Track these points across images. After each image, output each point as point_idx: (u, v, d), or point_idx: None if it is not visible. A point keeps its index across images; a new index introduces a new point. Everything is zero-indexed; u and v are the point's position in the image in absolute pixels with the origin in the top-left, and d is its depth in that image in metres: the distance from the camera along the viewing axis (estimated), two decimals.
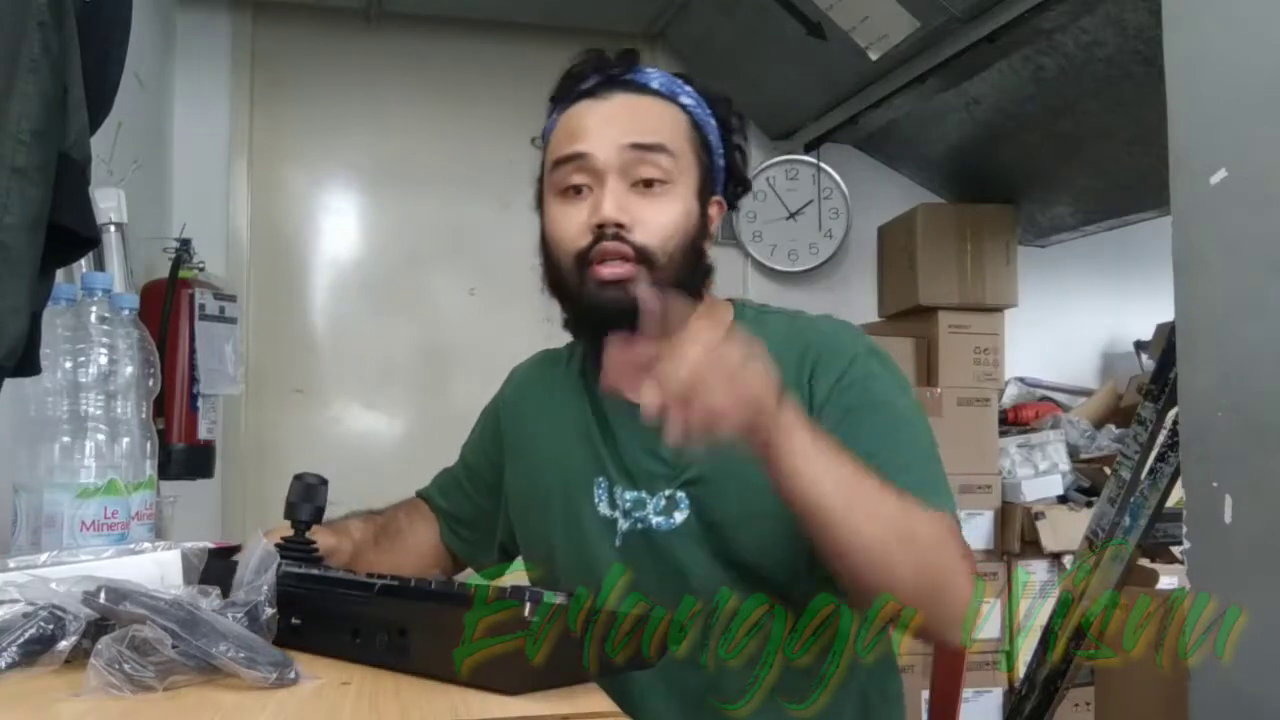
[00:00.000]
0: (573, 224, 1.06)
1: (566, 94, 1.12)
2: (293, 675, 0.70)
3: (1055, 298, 3.37)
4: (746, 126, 1.19)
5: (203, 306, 1.97)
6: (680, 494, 1.07)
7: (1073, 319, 3.44)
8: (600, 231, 1.03)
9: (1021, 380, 3.36)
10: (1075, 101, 2.53)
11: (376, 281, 3.09)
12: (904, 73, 2.58)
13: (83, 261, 1.39)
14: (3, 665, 0.71)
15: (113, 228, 1.69)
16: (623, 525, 1.09)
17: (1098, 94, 2.45)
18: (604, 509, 1.11)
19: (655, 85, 1.11)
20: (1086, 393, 3.39)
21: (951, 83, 2.62)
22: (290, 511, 1.05)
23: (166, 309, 1.91)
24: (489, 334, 3.04)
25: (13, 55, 0.80)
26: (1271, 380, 0.99)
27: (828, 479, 0.88)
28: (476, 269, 3.11)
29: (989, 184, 3.14)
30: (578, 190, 1.07)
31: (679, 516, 1.07)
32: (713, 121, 1.13)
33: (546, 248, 1.10)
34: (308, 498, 1.04)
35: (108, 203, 1.68)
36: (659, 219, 1.05)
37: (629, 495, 1.10)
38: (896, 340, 3.01)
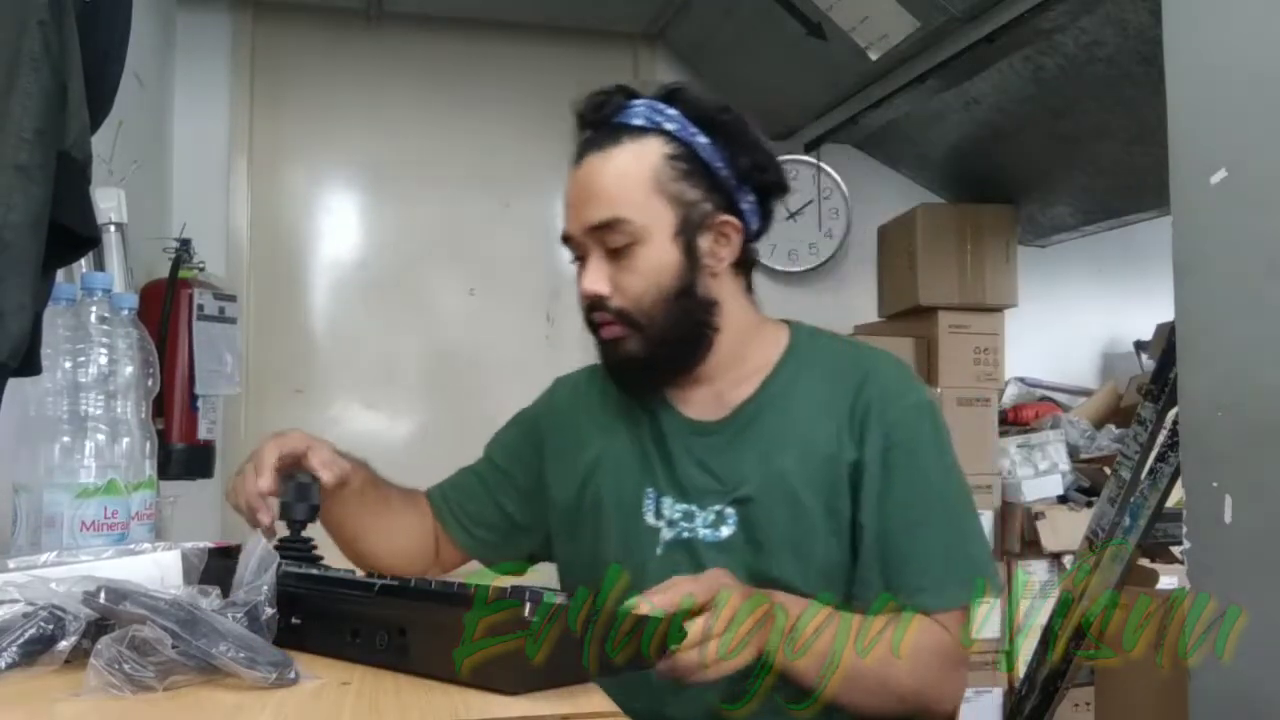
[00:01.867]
0: (579, 289, 1.14)
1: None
2: (293, 675, 0.70)
3: (1055, 298, 3.37)
4: (755, 128, 1.16)
5: (202, 306, 1.96)
6: (729, 510, 1.11)
7: (1073, 319, 3.45)
8: (588, 303, 1.13)
9: (1021, 380, 3.36)
10: (1075, 101, 2.53)
11: (376, 281, 3.09)
12: (904, 73, 2.58)
13: (83, 261, 1.39)
14: (3, 665, 0.71)
15: (113, 228, 1.69)
16: (666, 535, 1.13)
17: (1098, 94, 2.45)
18: (650, 518, 1.14)
19: (637, 122, 1.11)
20: (1086, 393, 3.39)
21: (951, 83, 2.62)
22: (285, 511, 1.05)
23: (166, 309, 1.91)
24: (489, 334, 3.05)
25: (14, 54, 0.80)
26: (1271, 380, 0.99)
27: (810, 674, 0.98)
28: (476, 269, 3.11)
29: (989, 184, 3.14)
30: (581, 258, 1.14)
31: (725, 531, 1.10)
32: (702, 139, 1.11)
33: None
34: (302, 496, 1.05)
35: (108, 203, 1.68)
36: (632, 282, 1.10)
37: (678, 507, 1.13)
38: (896, 340, 3.00)
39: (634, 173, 1.10)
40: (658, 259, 1.09)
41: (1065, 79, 2.44)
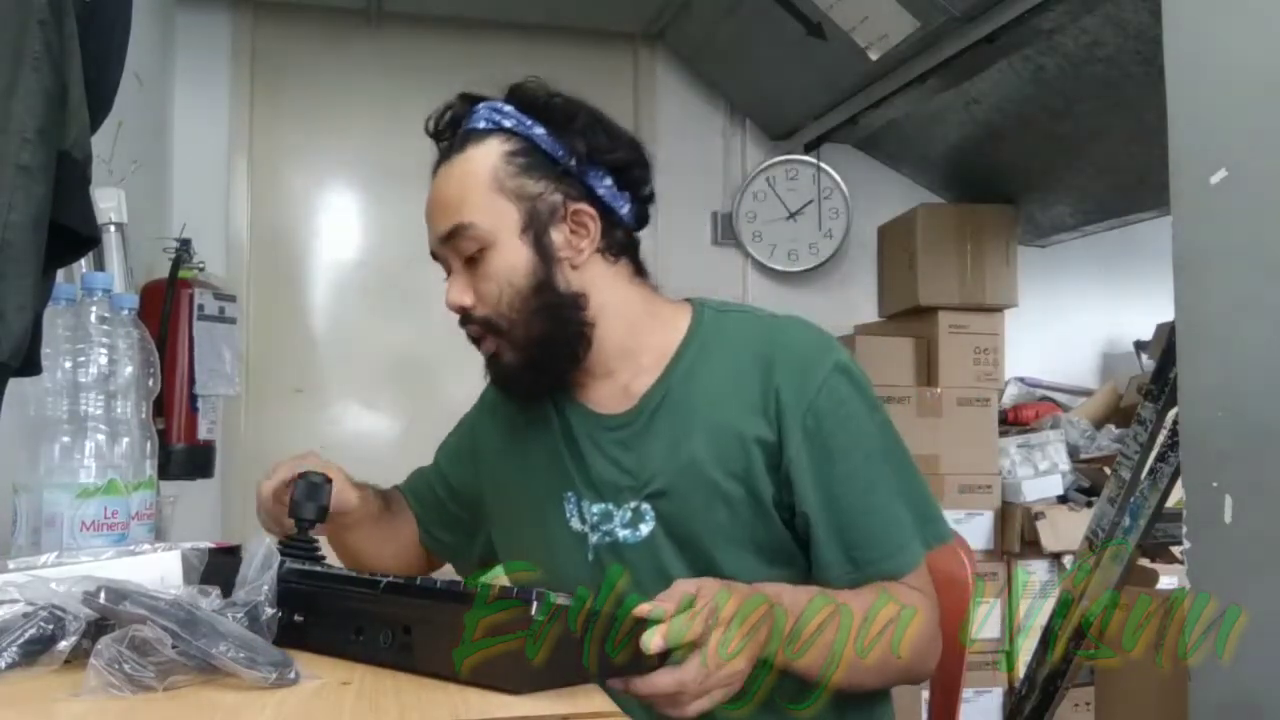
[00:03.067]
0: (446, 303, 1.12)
1: None
2: (293, 675, 0.70)
3: (1055, 298, 3.37)
4: (597, 109, 1.12)
5: (202, 306, 1.96)
6: (645, 506, 1.07)
7: (1073, 319, 3.45)
8: (460, 319, 1.11)
9: (1021, 380, 3.36)
10: (1075, 101, 2.53)
11: (376, 281, 3.09)
12: (904, 73, 2.58)
13: (83, 261, 1.39)
14: (3, 665, 0.71)
15: (113, 228, 1.69)
16: (593, 539, 1.09)
17: (1098, 94, 2.45)
18: (575, 524, 1.11)
19: (480, 125, 1.10)
20: (1086, 393, 3.39)
21: (951, 83, 2.62)
22: (295, 510, 1.05)
23: (166, 309, 1.91)
24: None
25: (15, 53, 0.80)
26: (1271, 380, 0.99)
27: (811, 671, 0.97)
28: None
29: (989, 184, 3.14)
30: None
31: (645, 529, 1.07)
32: (539, 129, 1.08)
33: None
34: (311, 496, 1.05)
35: (108, 203, 1.68)
36: (487, 289, 1.08)
37: (595, 508, 1.10)
38: (896, 340, 3.01)
39: (473, 175, 1.08)
40: (508, 260, 1.06)
41: (1065, 79, 2.44)
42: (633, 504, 1.07)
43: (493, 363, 1.11)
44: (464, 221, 1.07)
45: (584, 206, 1.08)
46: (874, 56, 2.53)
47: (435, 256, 1.13)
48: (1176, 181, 1.11)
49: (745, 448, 1.04)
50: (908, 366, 2.96)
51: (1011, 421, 3.15)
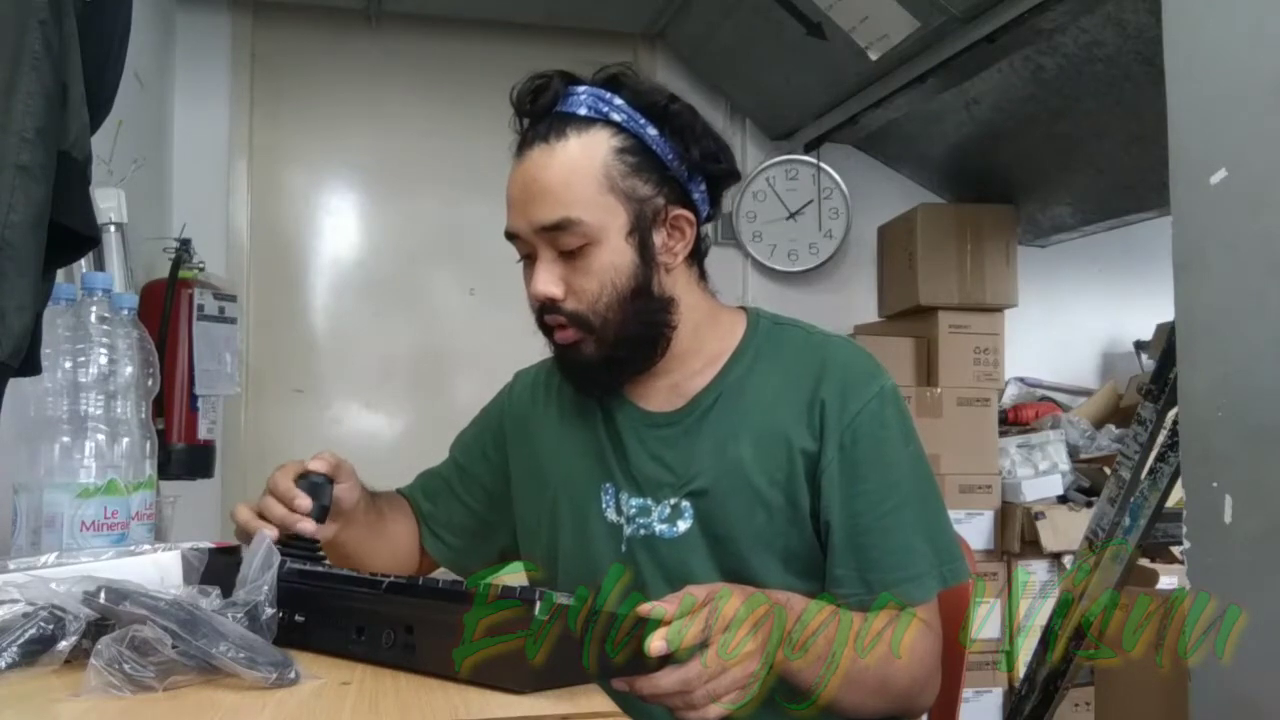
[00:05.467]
0: (529, 291, 1.09)
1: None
2: (293, 675, 0.70)
3: (1055, 298, 3.37)
4: (700, 115, 1.12)
5: (202, 306, 1.96)
6: (685, 503, 1.08)
7: (1073, 319, 3.44)
8: (539, 305, 1.08)
9: (1021, 380, 3.36)
10: (1075, 101, 2.53)
11: (376, 281, 3.09)
12: (904, 73, 2.58)
13: (83, 261, 1.39)
14: (3, 665, 0.71)
15: (113, 228, 1.69)
16: (628, 531, 1.10)
17: (1098, 94, 2.45)
18: (610, 515, 1.12)
19: (581, 111, 1.06)
20: (1086, 393, 3.39)
21: (951, 83, 2.61)
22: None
23: (166, 309, 1.91)
24: (489, 334, 3.04)
25: (16, 53, 0.80)
26: (1271, 380, 0.99)
27: (809, 674, 0.96)
28: (476, 269, 3.11)
29: (989, 184, 3.14)
30: (529, 256, 1.09)
31: (683, 525, 1.08)
32: (651, 130, 1.06)
33: None
34: (313, 496, 1.05)
35: (108, 203, 1.68)
36: (586, 284, 1.05)
37: (634, 502, 1.10)
38: (896, 340, 3.01)
39: (583, 169, 1.04)
40: (612, 260, 1.05)
41: (1065, 79, 2.44)
42: (672, 500, 1.08)
43: (568, 352, 1.09)
44: (573, 217, 1.03)
45: (684, 212, 1.09)
46: (874, 56, 2.52)
47: (513, 237, 1.09)
48: (1176, 181, 1.11)
49: (790, 456, 1.06)
50: (908, 366, 2.96)
51: (1011, 421, 3.15)
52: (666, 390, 1.13)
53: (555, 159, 1.05)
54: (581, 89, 1.07)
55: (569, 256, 1.05)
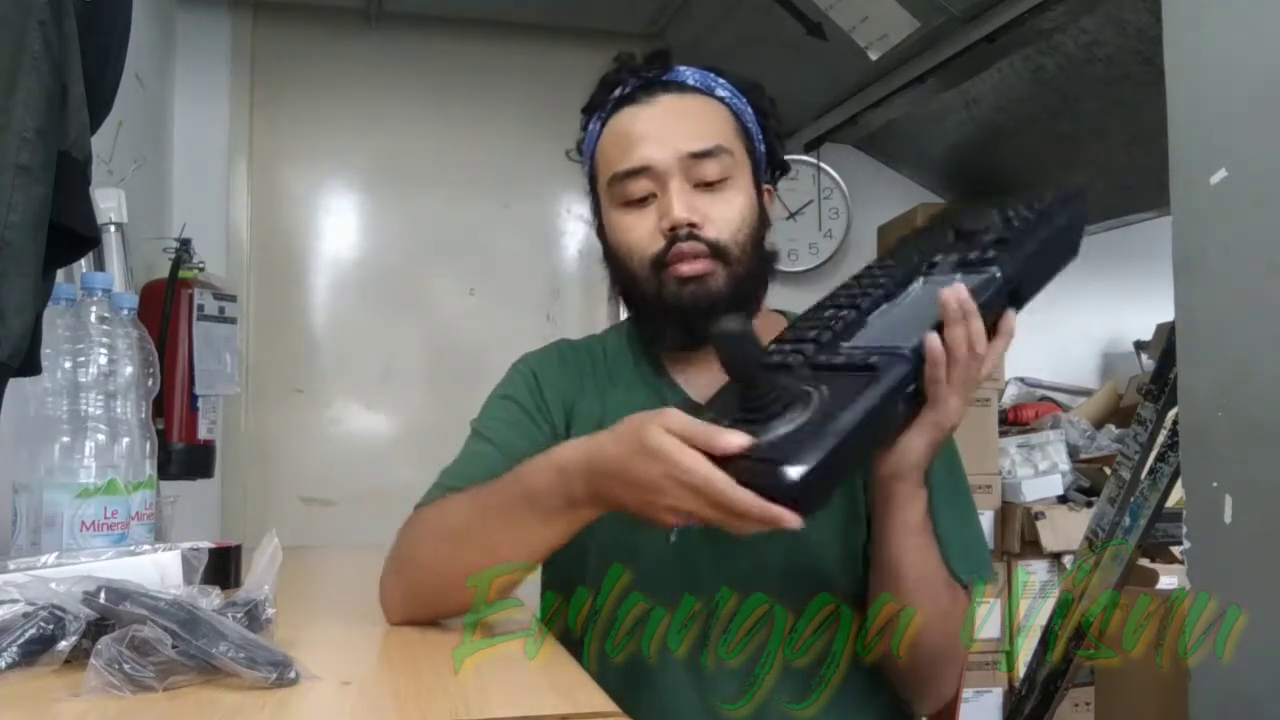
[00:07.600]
0: (644, 231, 1.07)
1: (603, 103, 1.12)
2: (293, 675, 0.70)
3: (1055, 298, 3.35)
4: (778, 110, 1.17)
5: (202, 306, 1.96)
6: None
7: (1073, 319, 3.44)
8: (673, 234, 1.05)
9: (1021, 380, 3.36)
10: (1075, 101, 2.53)
11: (376, 281, 3.09)
12: (904, 73, 2.58)
13: (83, 261, 1.39)
14: (3, 665, 0.71)
15: (113, 228, 1.69)
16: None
17: (1098, 94, 2.45)
18: None
19: (692, 82, 1.11)
20: (1086, 393, 3.39)
21: (951, 83, 2.61)
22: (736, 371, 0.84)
23: (166, 309, 1.91)
24: (489, 334, 3.05)
25: (16, 53, 0.80)
26: (1271, 380, 0.99)
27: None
28: (476, 269, 3.11)
29: (989, 184, 3.14)
30: (642, 200, 1.08)
31: None
32: (749, 110, 1.12)
33: (616, 257, 1.11)
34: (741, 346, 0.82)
35: (108, 203, 1.68)
36: (727, 214, 1.06)
37: None
38: None
39: (718, 115, 1.09)
40: (746, 197, 1.08)
41: (1065, 79, 2.44)
42: None
43: (697, 283, 1.05)
44: (725, 145, 1.07)
45: (769, 186, 1.14)
46: (874, 56, 2.52)
47: (633, 173, 1.06)
48: (1176, 181, 1.11)
49: None
50: None
51: (1011, 421, 3.15)
52: (715, 380, 1.11)
53: (690, 102, 1.09)
54: (686, 67, 1.12)
55: (706, 189, 1.07)
